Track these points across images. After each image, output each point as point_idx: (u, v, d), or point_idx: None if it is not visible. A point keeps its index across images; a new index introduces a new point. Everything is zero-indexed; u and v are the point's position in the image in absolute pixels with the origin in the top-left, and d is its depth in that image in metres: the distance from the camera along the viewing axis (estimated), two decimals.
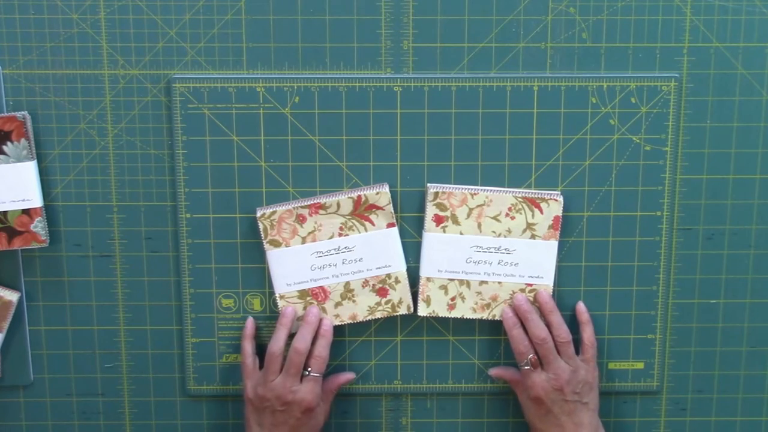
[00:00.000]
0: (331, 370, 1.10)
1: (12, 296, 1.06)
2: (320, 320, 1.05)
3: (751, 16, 1.03)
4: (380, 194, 1.04)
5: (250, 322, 1.06)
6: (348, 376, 1.08)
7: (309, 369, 1.02)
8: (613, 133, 1.05)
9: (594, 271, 1.07)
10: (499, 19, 1.03)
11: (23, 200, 1.03)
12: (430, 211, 1.04)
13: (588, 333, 1.05)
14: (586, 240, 1.07)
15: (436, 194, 1.04)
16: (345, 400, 1.10)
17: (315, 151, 1.05)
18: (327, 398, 1.06)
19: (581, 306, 1.06)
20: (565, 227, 1.06)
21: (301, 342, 1.02)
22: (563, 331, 1.03)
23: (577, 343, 1.05)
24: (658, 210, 1.06)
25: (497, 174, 1.05)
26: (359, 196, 1.04)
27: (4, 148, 1.02)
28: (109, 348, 1.10)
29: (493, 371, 1.08)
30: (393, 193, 1.05)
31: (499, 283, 1.05)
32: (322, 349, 1.04)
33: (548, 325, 1.03)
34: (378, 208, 1.04)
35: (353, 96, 1.04)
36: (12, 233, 1.03)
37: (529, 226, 1.04)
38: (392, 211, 1.04)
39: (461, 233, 1.04)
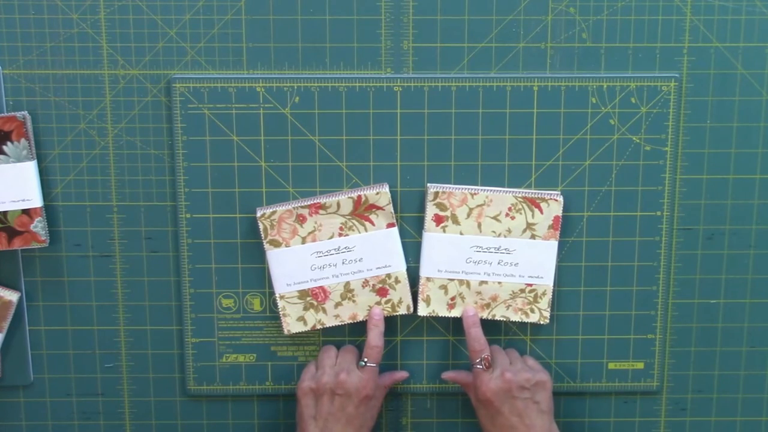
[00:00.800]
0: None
1: (12, 296, 1.06)
2: (373, 312, 1.06)
3: (751, 16, 1.03)
4: (380, 194, 1.04)
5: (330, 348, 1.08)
6: (403, 374, 1.08)
7: (365, 360, 1.02)
8: (613, 133, 1.05)
9: (594, 271, 1.07)
10: (499, 19, 1.03)
11: (23, 200, 1.03)
12: (430, 210, 1.04)
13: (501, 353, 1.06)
14: (586, 240, 1.07)
15: (436, 194, 1.04)
16: None
17: (315, 151, 1.05)
18: (381, 393, 1.06)
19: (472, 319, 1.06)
20: (565, 227, 1.06)
21: (352, 346, 1.04)
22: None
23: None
24: (658, 210, 1.06)
25: (497, 174, 1.05)
26: (359, 196, 1.04)
27: (4, 148, 1.02)
28: (109, 348, 1.10)
29: (446, 374, 1.08)
30: (393, 193, 1.05)
31: (499, 283, 1.05)
32: (376, 338, 1.04)
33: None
34: (378, 208, 1.04)
35: (353, 96, 1.04)
36: (12, 233, 1.03)
37: (529, 226, 1.04)
38: (392, 211, 1.04)
39: (461, 233, 1.04)
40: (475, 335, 1.04)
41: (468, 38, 1.03)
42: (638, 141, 1.05)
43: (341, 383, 1.01)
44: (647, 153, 1.05)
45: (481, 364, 1.02)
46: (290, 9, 1.02)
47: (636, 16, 1.03)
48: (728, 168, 1.06)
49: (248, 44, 1.03)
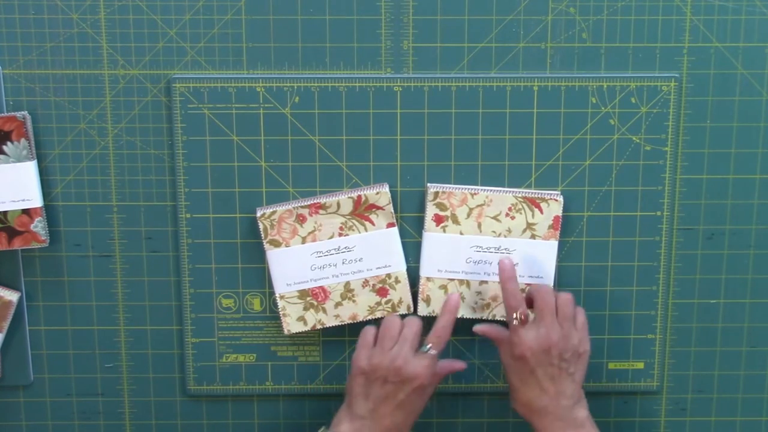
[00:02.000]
0: (329, 371, 1.10)
1: (12, 296, 1.06)
2: (448, 296, 1.03)
3: (751, 16, 1.03)
4: (380, 194, 1.04)
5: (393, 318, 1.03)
6: (461, 364, 1.05)
7: (428, 345, 1.00)
8: (613, 133, 1.05)
9: (594, 271, 1.07)
10: (499, 19, 1.03)
11: (23, 200, 1.03)
12: (430, 210, 1.04)
13: (582, 314, 1.01)
14: (586, 240, 1.07)
15: (436, 194, 1.04)
16: None
17: (315, 151, 1.05)
18: (435, 382, 1.02)
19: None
20: (565, 227, 1.06)
21: (417, 318, 1.00)
22: (567, 300, 1.00)
23: None
24: (658, 210, 1.06)
25: (497, 174, 1.05)
26: (359, 196, 1.04)
27: (4, 148, 1.02)
28: (109, 348, 1.10)
29: (478, 328, 1.02)
30: (393, 193, 1.05)
31: (499, 283, 1.05)
32: (445, 325, 1.00)
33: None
34: (378, 208, 1.04)
35: (353, 96, 1.04)
36: (12, 233, 1.03)
37: (529, 226, 1.04)
38: (392, 211, 1.04)
39: (461, 233, 1.04)
40: (512, 290, 0.99)
41: (468, 38, 1.03)
42: (638, 141, 1.05)
43: (397, 371, 0.97)
44: (647, 153, 1.05)
45: (518, 320, 0.98)
46: (290, 9, 1.02)
47: (636, 16, 1.03)
48: (728, 168, 1.06)
49: (248, 44, 1.03)
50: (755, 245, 1.08)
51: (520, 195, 1.04)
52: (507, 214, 1.04)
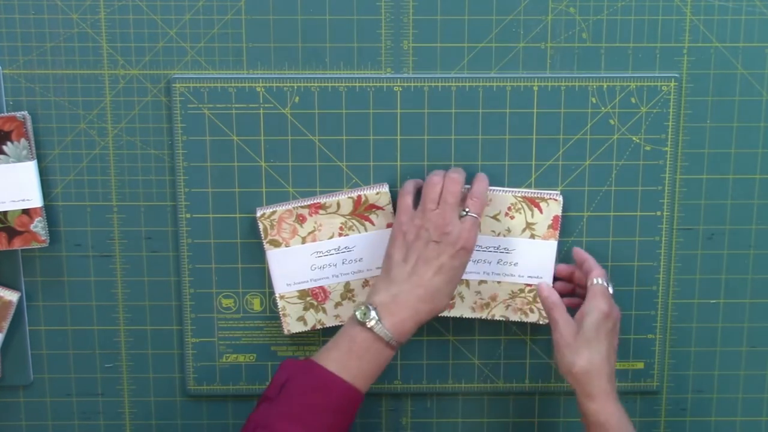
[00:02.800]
0: None
1: (12, 296, 1.06)
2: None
3: (751, 16, 1.03)
4: (380, 194, 1.04)
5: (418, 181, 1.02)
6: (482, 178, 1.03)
7: (467, 209, 0.98)
8: (613, 133, 1.05)
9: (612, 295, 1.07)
10: (499, 19, 1.03)
11: (23, 200, 1.03)
12: None
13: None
14: (586, 240, 1.07)
15: None
16: None
17: (315, 151, 1.05)
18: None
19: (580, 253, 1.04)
20: (565, 227, 1.06)
21: (457, 173, 0.98)
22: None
23: None
24: (658, 210, 1.06)
25: (497, 174, 1.05)
26: (359, 196, 1.04)
27: (4, 148, 1.02)
28: (109, 348, 1.10)
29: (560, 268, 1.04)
30: (393, 193, 1.05)
31: (498, 282, 1.05)
32: (481, 188, 1.00)
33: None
34: (378, 208, 1.04)
35: (353, 96, 1.04)
36: (12, 233, 1.03)
37: (529, 225, 1.04)
38: (392, 211, 1.04)
39: None
40: (587, 256, 1.02)
41: (468, 38, 1.03)
42: (638, 141, 1.05)
43: (442, 231, 0.95)
44: (647, 153, 1.05)
45: (609, 287, 1.00)
46: (290, 9, 1.02)
47: (636, 16, 1.03)
48: (728, 168, 1.06)
49: (248, 44, 1.03)
50: (755, 245, 1.08)
51: (519, 195, 1.04)
52: (506, 214, 1.04)
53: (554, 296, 0.99)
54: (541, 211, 1.04)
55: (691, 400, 1.12)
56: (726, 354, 1.11)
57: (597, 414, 0.95)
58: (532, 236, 1.04)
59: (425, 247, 0.96)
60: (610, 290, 1.00)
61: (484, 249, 1.05)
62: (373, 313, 0.94)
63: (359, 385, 0.94)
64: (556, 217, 1.04)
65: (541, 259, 1.05)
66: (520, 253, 1.05)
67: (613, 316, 0.98)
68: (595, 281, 0.99)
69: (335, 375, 0.93)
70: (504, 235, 1.04)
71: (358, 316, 0.94)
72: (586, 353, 0.95)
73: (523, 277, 1.05)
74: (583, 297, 1.00)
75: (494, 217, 1.04)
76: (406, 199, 1.00)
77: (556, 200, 1.04)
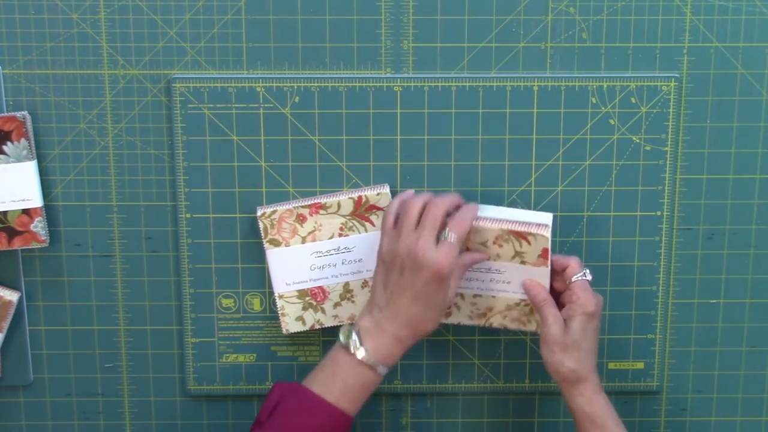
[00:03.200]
0: None
1: (12, 296, 1.06)
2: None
3: (751, 16, 1.03)
4: (381, 195, 1.04)
5: (409, 193, 1.00)
6: (483, 255, 1.00)
7: (448, 231, 0.94)
8: (613, 133, 1.05)
9: (594, 271, 1.07)
10: (499, 19, 1.03)
11: (23, 200, 1.03)
12: None
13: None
14: (586, 240, 1.07)
15: None
16: None
17: (315, 151, 1.05)
18: (458, 275, 0.97)
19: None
20: (565, 227, 1.06)
21: (442, 200, 0.96)
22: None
23: None
24: (658, 210, 1.06)
25: (497, 174, 1.05)
26: (360, 197, 1.04)
27: (4, 148, 1.02)
28: (109, 348, 1.10)
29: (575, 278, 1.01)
30: (393, 193, 1.04)
31: (494, 297, 1.04)
32: (467, 213, 0.97)
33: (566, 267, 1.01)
34: (378, 208, 1.04)
35: (353, 96, 1.04)
36: (12, 233, 1.03)
37: (518, 253, 1.00)
38: None
39: None
40: (564, 258, 1.01)
41: (468, 38, 1.03)
42: (638, 141, 1.05)
43: (414, 258, 0.93)
44: (647, 153, 1.05)
45: (588, 276, 1.00)
46: (290, 9, 1.02)
47: (636, 16, 1.03)
48: (728, 168, 1.06)
49: (248, 44, 1.03)
50: (755, 245, 1.08)
51: (506, 227, 0.99)
52: (494, 242, 1.00)
53: (543, 292, 1.00)
54: (529, 244, 0.99)
55: (691, 400, 1.12)
56: (726, 354, 1.11)
57: (583, 406, 0.98)
58: (523, 263, 1.00)
59: (400, 276, 0.94)
60: (590, 278, 1.00)
61: (475, 269, 1.02)
62: (354, 337, 0.95)
63: (345, 407, 0.94)
64: (545, 250, 0.99)
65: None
66: (511, 274, 1.01)
67: (598, 313, 0.99)
68: (574, 278, 0.99)
69: (320, 397, 0.94)
70: (494, 260, 1.01)
71: (342, 339, 0.95)
72: (575, 354, 0.97)
73: (517, 293, 1.03)
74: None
75: (482, 244, 1.00)
76: (388, 221, 0.98)
77: (544, 236, 0.98)
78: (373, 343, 0.95)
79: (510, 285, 1.03)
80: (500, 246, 1.00)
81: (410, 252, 0.94)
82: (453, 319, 1.05)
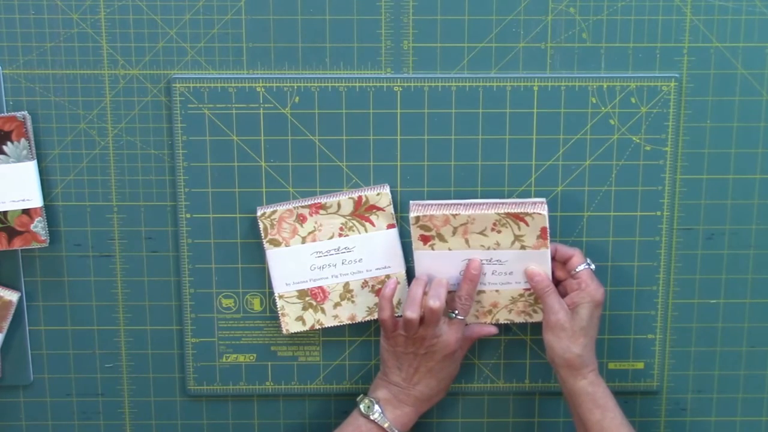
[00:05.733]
0: (329, 371, 1.10)
1: (12, 296, 1.06)
2: (468, 262, 1.03)
3: (751, 16, 1.03)
4: (381, 195, 1.04)
5: (392, 283, 1.03)
6: (492, 329, 1.06)
7: (455, 311, 1.02)
8: (613, 133, 1.05)
9: (594, 271, 1.07)
10: (499, 19, 1.03)
11: (23, 200, 1.03)
12: (415, 232, 1.02)
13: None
14: (586, 240, 1.07)
15: (417, 218, 1.01)
16: (346, 399, 1.10)
17: (315, 151, 1.05)
18: (465, 345, 1.06)
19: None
20: (565, 227, 1.06)
21: (437, 301, 1.00)
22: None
23: None
24: (658, 210, 1.06)
25: (497, 174, 1.05)
26: (360, 197, 1.04)
27: (4, 148, 1.02)
28: (109, 348, 1.10)
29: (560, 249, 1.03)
30: (393, 194, 1.05)
31: (497, 291, 1.04)
32: (469, 292, 1.02)
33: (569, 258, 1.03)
34: (378, 209, 1.04)
35: (353, 96, 1.04)
36: (12, 233, 1.03)
37: (517, 237, 1.01)
38: (393, 212, 1.04)
39: (450, 249, 1.02)
40: (568, 248, 1.03)
41: (468, 38, 1.03)
42: (638, 141, 1.05)
43: (424, 345, 1.01)
44: (647, 153, 1.05)
45: (592, 265, 1.02)
46: (290, 9, 1.02)
47: (636, 16, 1.03)
48: (728, 168, 1.06)
49: (248, 44, 1.03)
50: (755, 245, 1.08)
51: (502, 211, 1.00)
52: (493, 229, 1.01)
53: (546, 280, 1.02)
54: (527, 224, 1.01)
55: (691, 400, 1.12)
56: (726, 354, 1.11)
57: (586, 387, 1.00)
58: (522, 248, 1.02)
59: (414, 359, 1.02)
60: (593, 267, 1.02)
61: None
62: (377, 407, 1.02)
63: None
64: (543, 229, 1.00)
65: (536, 266, 1.03)
66: (512, 263, 1.03)
67: (602, 301, 1.01)
68: (579, 268, 1.01)
69: None
70: (494, 248, 1.02)
71: (363, 409, 1.03)
72: (582, 340, 1.00)
73: (519, 284, 1.04)
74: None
75: (481, 233, 1.01)
76: (388, 322, 1.02)
77: (541, 214, 1.00)
78: (394, 412, 1.03)
79: (512, 276, 1.03)
80: (499, 232, 1.01)
81: (422, 344, 1.01)
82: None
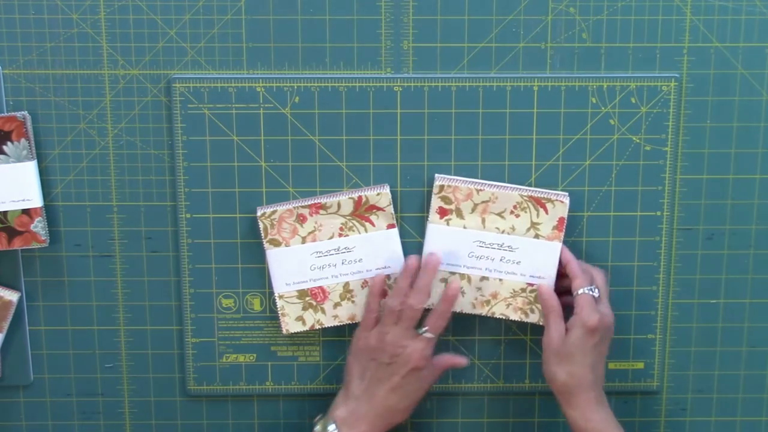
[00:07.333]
0: (329, 371, 1.10)
1: (12, 296, 1.06)
2: (450, 285, 1.03)
3: (751, 16, 1.03)
4: (381, 195, 1.04)
5: (380, 280, 1.04)
6: (463, 360, 1.05)
7: (425, 328, 1.01)
8: (613, 133, 1.05)
9: (597, 298, 1.07)
10: (499, 19, 1.03)
11: (23, 200, 1.03)
12: (435, 203, 1.04)
13: (601, 277, 1.03)
14: (586, 240, 1.07)
15: (442, 187, 1.03)
16: None
17: (315, 151, 1.05)
18: (435, 373, 1.04)
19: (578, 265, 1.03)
20: (566, 227, 1.06)
21: (418, 300, 1.01)
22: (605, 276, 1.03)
23: None
24: (658, 210, 1.06)
25: (497, 174, 1.05)
26: (360, 197, 1.04)
27: (4, 148, 1.02)
28: (109, 348, 1.10)
29: (543, 290, 1.02)
30: (393, 193, 1.05)
31: (500, 280, 1.05)
32: (443, 312, 1.02)
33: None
34: (378, 209, 1.04)
35: (353, 96, 1.04)
36: (12, 233, 1.03)
37: (534, 225, 1.04)
38: (393, 212, 1.04)
39: (464, 227, 1.04)
40: (581, 267, 1.02)
41: (468, 38, 1.03)
42: (638, 141, 1.05)
43: (391, 354, 1.00)
44: (647, 153, 1.05)
45: (595, 292, 1.00)
46: (290, 9, 1.02)
47: (636, 16, 1.03)
48: (728, 168, 1.06)
49: (248, 44, 1.03)
50: (755, 245, 1.08)
51: (525, 194, 1.03)
52: (512, 212, 1.04)
53: (553, 300, 1.01)
54: (546, 212, 1.04)
55: (691, 400, 1.12)
56: (726, 354, 1.11)
57: (577, 420, 0.98)
58: (537, 236, 1.04)
59: (378, 368, 1.01)
60: (596, 294, 1.00)
61: (488, 246, 1.04)
62: (332, 427, 1.00)
63: None
64: (561, 219, 1.03)
65: (544, 259, 1.04)
66: (523, 252, 1.04)
67: (601, 328, 0.98)
68: (580, 291, 1.00)
69: None
70: (508, 233, 1.04)
71: (319, 429, 1.01)
72: (567, 367, 0.98)
73: (525, 276, 1.05)
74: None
75: (499, 215, 1.04)
76: (370, 317, 1.02)
77: (562, 202, 1.03)
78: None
79: (519, 266, 1.04)
80: (517, 216, 1.03)
81: (390, 349, 1.00)
82: (456, 307, 1.06)
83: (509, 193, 1.03)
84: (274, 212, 1.04)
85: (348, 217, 1.04)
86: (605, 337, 1.00)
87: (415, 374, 1.01)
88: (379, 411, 1.01)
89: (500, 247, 1.04)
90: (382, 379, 1.00)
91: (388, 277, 1.05)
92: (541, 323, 1.06)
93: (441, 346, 1.09)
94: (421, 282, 1.02)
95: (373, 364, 1.01)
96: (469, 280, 1.05)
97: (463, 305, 1.06)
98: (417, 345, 1.00)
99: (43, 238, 1.04)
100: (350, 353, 1.03)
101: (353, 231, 1.05)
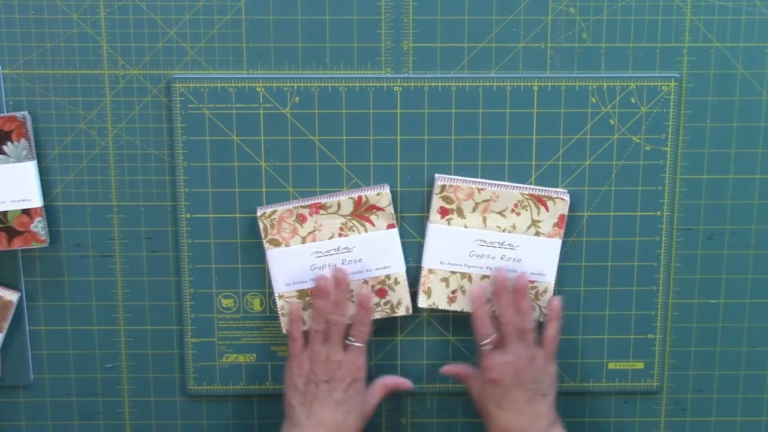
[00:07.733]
0: None
1: (12, 296, 1.06)
2: (361, 293, 1.04)
3: (751, 16, 1.03)
4: (381, 195, 1.04)
5: (296, 308, 1.05)
6: (407, 384, 1.07)
7: (352, 338, 1.03)
8: (613, 133, 1.05)
9: (594, 271, 1.07)
10: (499, 19, 1.03)
11: (23, 200, 1.03)
12: (436, 203, 1.04)
13: (553, 328, 1.03)
14: (586, 240, 1.07)
15: (443, 187, 1.03)
16: None
17: (315, 151, 1.05)
18: (378, 394, 1.05)
19: (555, 301, 1.04)
20: (565, 227, 1.06)
21: (340, 313, 1.02)
22: (529, 319, 1.02)
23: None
24: (658, 210, 1.06)
25: (497, 174, 1.05)
26: (360, 197, 1.04)
27: (4, 148, 1.02)
28: (109, 348, 1.10)
29: (445, 369, 1.06)
30: (393, 193, 1.05)
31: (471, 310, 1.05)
32: (363, 317, 1.03)
33: (515, 309, 1.02)
34: (378, 209, 1.04)
35: (353, 96, 1.04)
36: (12, 233, 1.03)
37: (534, 222, 1.04)
38: (392, 212, 1.04)
39: (465, 226, 1.04)
40: (483, 317, 1.02)
41: (468, 38, 1.03)
42: (638, 141, 1.05)
43: (325, 368, 1.01)
44: (647, 153, 1.05)
45: (491, 345, 1.01)
46: (290, 9, 1.02)
47: (636, 16, 1.03)
48: (728, 168, 1.06)
49: (248, 44, 1.03)
50: (755, 245, 1.08)
51: (526, 192, 1.04)
52: (513, 210, 1.04)
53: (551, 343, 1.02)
54: (547, 209, 1.04)
55: (691, 400, 1.12)
56: (726, 354, 1.11)
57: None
58: (537, 234, 1.04)
59: (317, 389, 1.01)
60: (487, 347, 1.01)
61: (488, 244, 1.05)
62: None
63: None
64: (562, 216, 1.04)
65: (544, 256, 1.05)
66: (524, 249, 1.04)
67: (502, 377, 1.00)
68: (482, 344, 1.02)
69: None
70: (509, 231, 1.04)
71: None
72: (501, 421, 1.01)
73: (526, 273, 1.05)
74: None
75: (500, 213, 1.04)
76: (296, 345, 1.03)
77: (563, 200, 1.04)
78: None
79: (520, 264, 1.04)
80: (518, 214, 1.03)
81: (323, 366, 1.01)
82: (456, 306, 1.06)
83: (510, 192, 1.04)
84: (274, 212, 1.04)
85: (348, 217, 1.04)
86: (520, 380, 1.00)
87: (355, 387, 1.02)
88: (326, 428, 1.00)
89: (501, 246, 1.04)
90: (324, 398, 1.01)
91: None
92: (541, 320, 1.06)
93: (442, 345, 1.09)
94: (338, 297, 1.03)
95: (312, 386, 1.01)
96: (470, 279, 1.06)
97: (464, 304, 1.06)
98: (350, 357, 1.02)
99: (43, 238, 1.04)
100: (286, 386, 1.03)
101: (353, 231, 1.05)
